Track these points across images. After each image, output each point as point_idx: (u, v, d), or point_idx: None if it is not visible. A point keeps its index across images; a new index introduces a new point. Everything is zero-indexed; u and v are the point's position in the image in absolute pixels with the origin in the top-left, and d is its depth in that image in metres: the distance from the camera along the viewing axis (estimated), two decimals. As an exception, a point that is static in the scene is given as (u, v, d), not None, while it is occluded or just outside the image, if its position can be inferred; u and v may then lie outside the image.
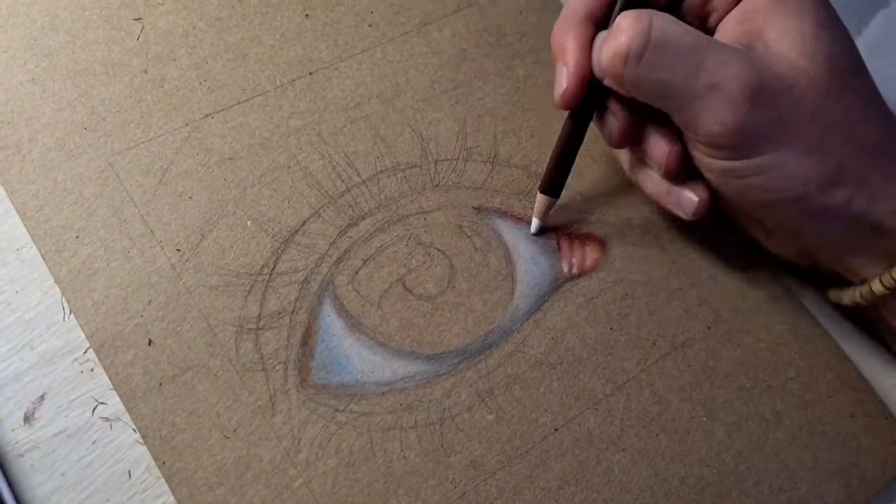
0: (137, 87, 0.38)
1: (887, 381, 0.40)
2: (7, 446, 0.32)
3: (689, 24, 0.34)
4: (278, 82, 0.40)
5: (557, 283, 0.39)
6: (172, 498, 0.32)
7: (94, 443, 0.33)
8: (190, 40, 0.40)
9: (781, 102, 0.32)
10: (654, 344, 0.38)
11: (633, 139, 0.38)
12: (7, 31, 0.38)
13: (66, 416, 0.33)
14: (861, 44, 0.48)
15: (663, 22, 0.33)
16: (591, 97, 0.37)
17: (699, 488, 0.36)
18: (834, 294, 0.39)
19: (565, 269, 0.38)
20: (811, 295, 0.41)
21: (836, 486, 0.37)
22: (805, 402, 0.38)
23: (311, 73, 0.41)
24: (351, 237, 0.37)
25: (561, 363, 0.37)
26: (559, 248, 0.39)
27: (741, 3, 0.36)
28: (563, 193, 0.39)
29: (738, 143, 0.33)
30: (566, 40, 0.36)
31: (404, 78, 0.42)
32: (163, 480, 0.32)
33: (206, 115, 0.39)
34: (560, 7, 0.45)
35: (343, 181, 0.39)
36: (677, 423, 0.37)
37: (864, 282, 0.37)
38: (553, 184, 0.39)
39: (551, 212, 0.39)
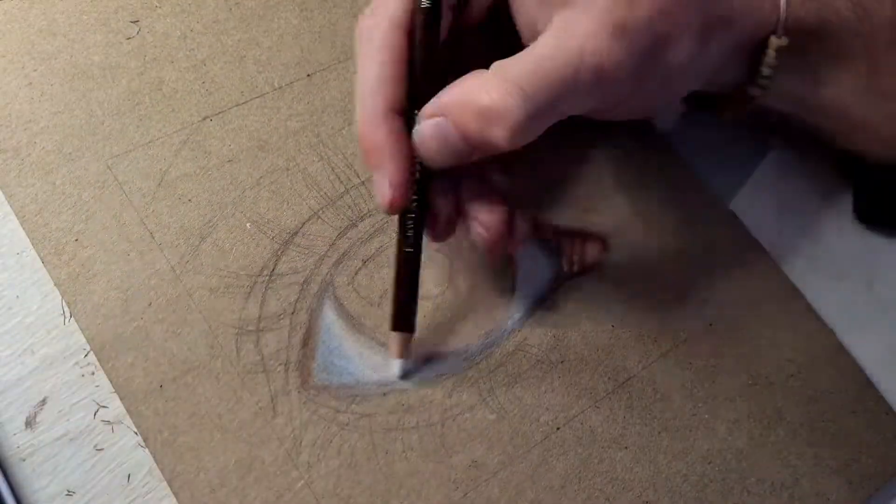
0: (135, 90, 0.38)
1: (888, 377, 0.40)
2: (9, 451, 0.32)
3: None
4: (276, 84, 0.40)
5: (558, 282, 0.39)
6: (175, 500, 0.32)
7: (95, 446, 0.33)
8: (188, 43, 0.40)
9: (646, 14, 0.31)
10: (656, 341, 0.38)
11: (456, 223, 0.35)
12: (5, 36, 0.38)
13: (68, 419, 0.33)
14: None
15: (511, 71, 0.31)
16: (420, 196, 0.34)
17: (701, 486, 0.36)
18: (719, 112, 0.40)
19: (566, 268, 0.38)
20: (812, 290, 0.41)
21: (838, 482, 0.37)
22: (806, 399, 0.38)
23: (309, 75, 0.41)
24: (350, 238, 0.37)
25: (562, 361, 0.37)
26: (559, 247, 0.39)
27: None
28: (563, 193, 0.39)
29: (638, 75, 0.32)
30: (377, 140, 0.32)
31: (402, 78, 0.42)
32: (165, 483, 0.32)
33: (205, 118, 0.39)
34: None
35: (342, 182, 0.39)
36: (679, 421, 0.37)
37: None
38: (405, 316, 0.35)
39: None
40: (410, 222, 0.34)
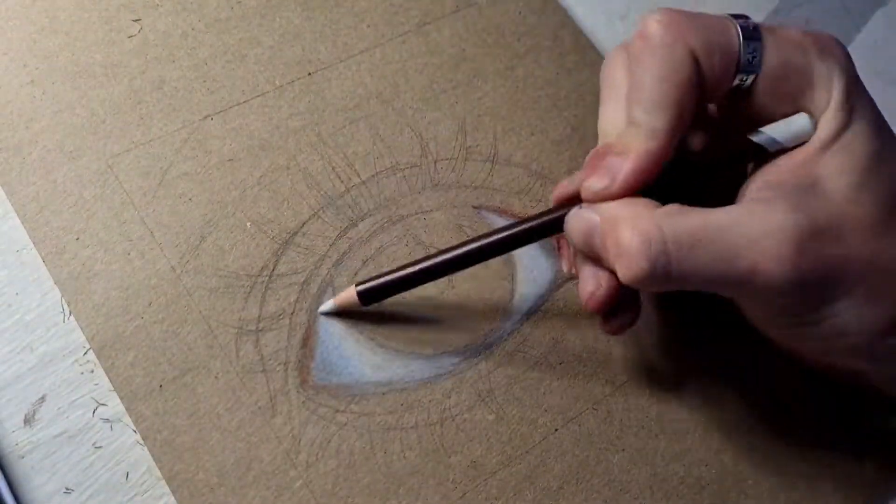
0: (137, 89, 0.38)
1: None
2: (8, 448, 0.32)
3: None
4: (277, 83, 0.40)
5: (557, 283, 0.39)
6: (173, 499, 0.32)
7: (94, 444, 0.33)
8: (189, 41, 0.40)
9: (830, 256, 0.30)
10: (654, 346, 0.38)
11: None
12: (6, 34, 0.38)
13: (67, 417, 0.33)
14: (860, 43, 0.49)
15: (673, 224, 0.29)
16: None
17: (698, 488, 0.36)
18: (877, 415, 0.38)
19: (565, 269, 0.38)
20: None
21: (835, 486, 0.37)
22: (805, 401, 0.38)
23: (310, 74, 0.41)
24: (350, 238, 0.37)
25: (561, 363, 0.37)
26: (559, 248, 0.39)
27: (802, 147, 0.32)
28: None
29: (790, 307, 0.31)
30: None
31: (403, 78, 0.42)
32: (163, 482, 0.32)
33: (206, 117, 0.39)
34: (559, 7, 0.45)
35: (342, 182, 0.39)
36: (676, 424, 0.37)
37: None
38: (376, 294, 0.35)
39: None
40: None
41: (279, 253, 0.37)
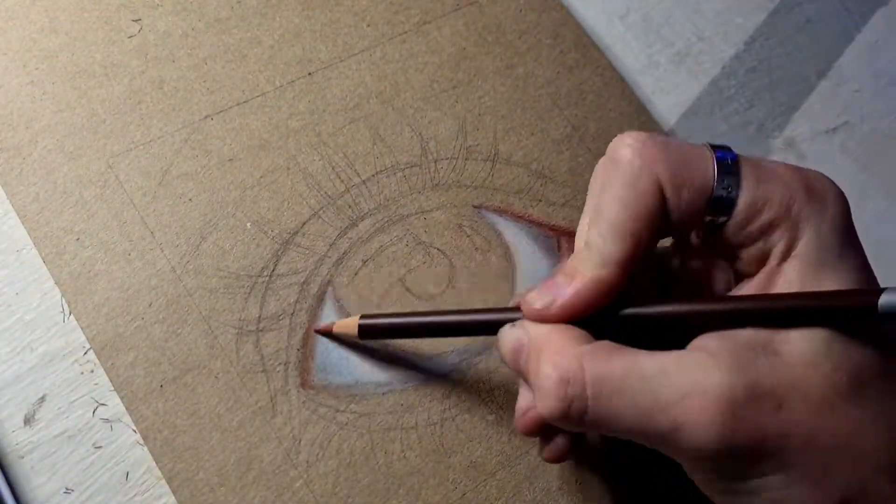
0: (137, 89, 0.38)
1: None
2: (7, 448, 0.32)
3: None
4: (277, 83, 0.40)
5: (557, 283, 0.39)
6: (173, 499, 0.32)
7: (94, 444, 0.33)
8: (189, 41, 0.40)
9: (764, 425, 0.27)
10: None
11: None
12: (6, 34, 0.38)
13: (67, 417, 0.33)
14: (860, 42, 0.49)
15: (597, 364, 0.28)
16: None
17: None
18: None
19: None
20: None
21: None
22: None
23: (310, 74, 0.41)
24: (350, 238, 0.37)
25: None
26: (559, 247, 0.39)
27: (762, 270, 0.30)
28: (565, 192, 0.39)
29: (715, 469, 0.28)
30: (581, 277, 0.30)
31: (403, 77, 0.42)
32: (163, 481, 0.32)
33: (206, 117, 0.39)
34: (559, 6, 0.45)
35: (342, 182, 0.39)
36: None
37: None
38: (376, 334, 0.35)
39: (546, 206, 0.39)
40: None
41: (279, 253, 0.37)
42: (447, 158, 0.40)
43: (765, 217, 0.29)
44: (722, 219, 0.30)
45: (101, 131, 0.37)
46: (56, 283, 0.34)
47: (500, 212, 0.40)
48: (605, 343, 0.28)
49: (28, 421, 0.33)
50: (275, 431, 0.34)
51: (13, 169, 0.36)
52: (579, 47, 0.45)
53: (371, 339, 0.35)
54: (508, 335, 0.30)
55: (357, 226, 0.38)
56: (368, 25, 0.43)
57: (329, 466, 0.33)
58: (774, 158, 0.44)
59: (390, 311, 0.36)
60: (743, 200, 0.29)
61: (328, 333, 0.35)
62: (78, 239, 0.35)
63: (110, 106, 0.38)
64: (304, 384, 0.34)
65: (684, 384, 0.27)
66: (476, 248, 0.38)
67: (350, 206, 0.38)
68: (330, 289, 0.36)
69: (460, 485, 0.34)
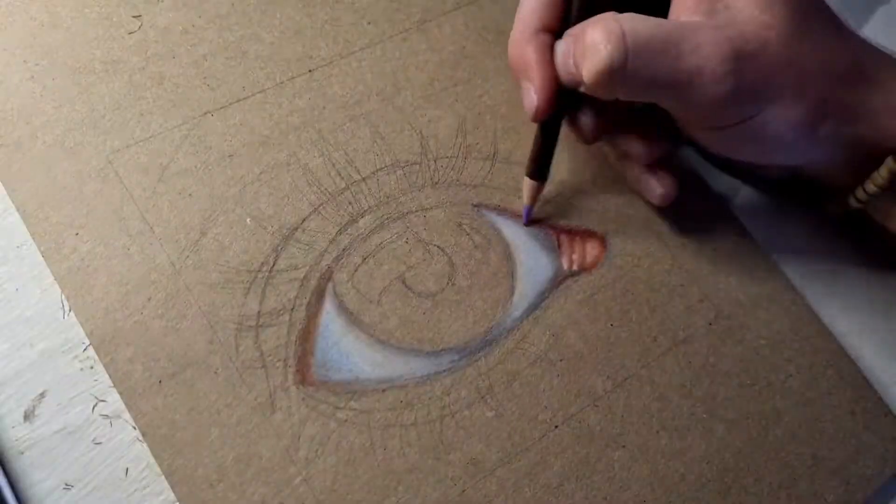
0: (137, 85, 0.38)
1: (887, 379, 0.40)
2: (7, 444, 0.32)
3: None
4: (278, 80, 0.40)
5: (557, 280, 0.39)
6: (172, 495, 0.32)
7: (94, 440, 0.33)
8: (189, 38, 0.40)
9: (759, 63, 0.33)
10: (655, 340, 0.38)
11: (605, 133, 0.39)
12: (7, 29, 0.38)
13: (66, 413, 0.33)
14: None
15: (632, 24, 0.33)
16: (560, 106, 0.37)
17: (699, 485, 0.36)
18: (833, 207, 0.40)
19: (565, 266, 0.38)
20: (812, 291, 0.41)
21: (836, 482, 0.37)
22: (805, 400, 0.38)
23: (310, 71, 0.41)
24: (350, 234, 0.37)
25: (561, 360, 0.37)
26: (559, 245, 0.39)
27: None
28: (566, 193, 0.39)
29: (731, 113, 0.34)
30: (526, 54, 0.37)
31: (404, 75, 0.42)
32: (163, 478, 0.32)
33: (206, 113, 0.39)
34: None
35: (342, 179, 0.39)
36: (677, 420, 0.37)
37: (845, 193, 0.38)
38: (541, 166, 0.39)
39: (546, 205, 0.39)
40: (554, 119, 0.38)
41: (279, 249, 0.36)
42: (447, 157, 0.40)
43: None
44: None
45: (100, 127, 0.37)
46: (55, 278, 0.34)
47: (500, 210, 0.40)
48: (631, 13, 0.34)
49: (28, 417, 0.33)
50: (274, 428, 0.34)
51: (13, 164, 0.36)
52: (579, 46, 0.45)
53: (548, 169, 0.39)
54: (559, 47, 0.36)
55: (357, 222, 0.38)
56: (369, 23, 0.43)
57: (328, 463, 0.33)
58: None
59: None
60: None
61: (532, 205, 0.40)
62: (77, 234, 0.35)
63: (110, 102, 0.38)
64: (304, 380, 0.34)
65: (696, 39, 0.33)
66: (476, 247, 0.38)
67: (350, 203, 0.38)
68: (330, 285, 0.36)
69: (459, 482, 0.34)
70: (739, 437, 0.37)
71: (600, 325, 0.38)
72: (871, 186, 0.36)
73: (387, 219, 0.38)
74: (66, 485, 0.32)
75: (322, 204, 0.38)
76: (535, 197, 0.39)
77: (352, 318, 0.36)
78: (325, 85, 0.41)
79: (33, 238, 0.35)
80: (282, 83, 0.40)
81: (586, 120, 0.38)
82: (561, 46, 0.36)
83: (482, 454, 0.35)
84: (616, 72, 0.33)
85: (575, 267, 0.39)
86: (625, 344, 0.38)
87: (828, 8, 0.36)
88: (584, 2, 0.36)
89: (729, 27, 0.33)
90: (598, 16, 0.34)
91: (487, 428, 0.35)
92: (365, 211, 0.38)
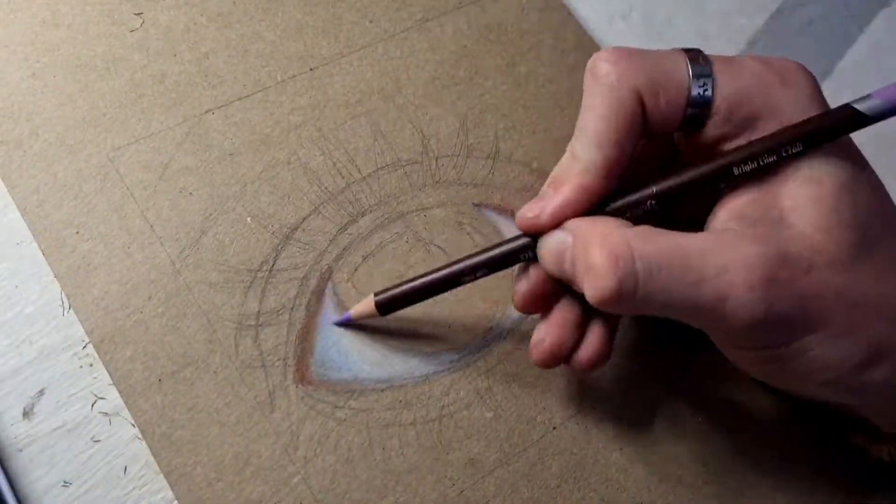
0: (138, 83, 0.38)
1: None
2: (6, 441, 0.32)
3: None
4: (279, 78, 0.40)
5: (557, 281, 0.39)
6: (171, 493, 0.32)
7: (92, 438, 0.33)
8: (191, 36, 0.40)
9: (800, 288, 0.29)
10: (656, 340, 0.38)
11: (537, 311, 0.34)
12: (8, 27, 0.38)
13: (66, 411, 0.33)
14: (863, 43, 0.49)
15: (644, 244, 0.29)
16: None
17: (696, 487, 0.36)
18: (860, 440, 0.37)
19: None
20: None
21: (833, 486, 0.37)
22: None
23: (311, 69, 0.41)
24: (351, 234, 0.37)
25: (560, 361, 0.37)
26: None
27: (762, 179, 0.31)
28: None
29: (760, 338, 0.30)
30: (569, 181, 0.32)
31: (405, 74, 0.42)
32: (161, 476, 0.32)
33: (207, 111, 0.39)
34: (561, 5, 0.45)
35: (343, 177, 0.39)
36: (675, 423, 0.37)
37: None
38: (393, 305, 0.35)
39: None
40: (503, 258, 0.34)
41: (279, 248, 0.36)
42: (448, 156, 0.40)
43: (745, 109, 0.31)
44: (701, 111, 0.32)
45: (101, 125, 0.37)
46: (55, 275, 0.34)
47: (501, 210, 0.40)
48: (646, 227, 0.30)
49: (27, 414, 0.33)
50: (273, 427, 0.34)
51: (13, 162, 0.36)
52: (581, 47, 0.45)
53: (394, 312, 0.35)
54: (552, 238, 0.32)
55: (357, 222, 0.38)
56: (370, 22, 0.43)
57: (327, 462, 0.33)
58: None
59: (394, 284, 0.36)
60: (720, 95, 0.31)
61: (348, 324, 0.36)
62: (78, 232, 0.35)
63: (111, 99, 0.38)
64: (303, 380, 0.34)
65: (723, 259, 0.29)
66: (476, 246, 0.38)
67: (350, 202, 0.38)
68: (329, 284, 0.36)
69: (458, 482, 0.34)
70: (738, 439, 0.37)
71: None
72: None
73: (387, 218, 0.38)
74: (65, 482, 0.32)
75: (322, 203, 0.38)
76: (362, 317, 0.35)
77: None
78: (327, 83, 0.41)
79: (33, 235, 0.35)
80: (283, 81, 0.40)
81: (525, 283, 0.34)
82: (556, 238, 0.31)
83: (481, 454, 0.35)
84: (623, 298, 0.29)
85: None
86: (623, 346, 0.38)
87: None
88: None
89: (770, 243, 0.29)
90: (603, 224, 0.30)
91: (486, 428, 0.35)
92: (365, 210, 0.38)
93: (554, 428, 0.36)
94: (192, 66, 0.39)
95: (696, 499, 0.36)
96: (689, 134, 0.33)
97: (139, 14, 0.40)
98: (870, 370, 0.30)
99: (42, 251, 0.35)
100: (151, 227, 0.36)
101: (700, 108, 0.32)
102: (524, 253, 0.33)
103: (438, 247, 0.38)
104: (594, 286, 0.29)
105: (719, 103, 0.31)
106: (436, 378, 0.36)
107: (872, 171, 0.32)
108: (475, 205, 0.39)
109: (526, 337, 0.37)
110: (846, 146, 0.32)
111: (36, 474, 0.32)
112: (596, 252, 0.29)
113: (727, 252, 0.29)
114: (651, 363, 0.38)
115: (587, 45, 0.45)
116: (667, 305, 0.29)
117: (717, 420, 0.37)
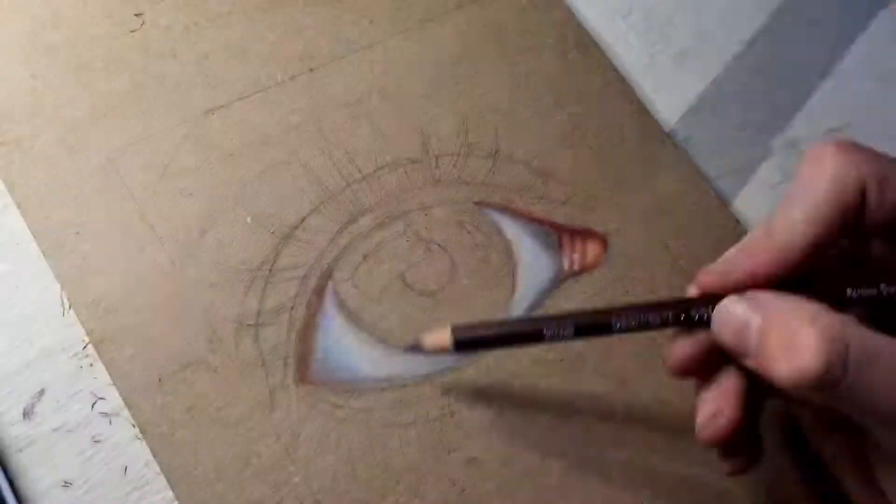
0: (138, 84, 0.38)
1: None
2: (6, 441, 0.32)
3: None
4: (279, 78, 0.40)
5: (558, 280, 0.39)
6: (171, 493, 0.32)
7: (93, 438, 0.33)
8: (191, 36, 0.40)
9: None
10: (655, 341, 0.38)
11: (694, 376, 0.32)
12: (8, 27, 0.38)
13: (66, 411, 0.33)
14: (862, 43, 0.49)
15: (857, 331, 0.26)
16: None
17: (698, 486, 0.36)
18: None
19: (566, 266, 0.38)
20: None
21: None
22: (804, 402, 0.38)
23: (311, 70, 0.41)
24: (351, 233, 0.37)
25: (561, 360, 0.37)
26: (560, 245, 0.39)
27: None
28: (565, 190, 0.39)
29: None
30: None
31: (405, 74, 0.42)
32: (162, 476, 0.32)
33: (207, 112, 0.39)
34: (562, 4, 0.45)
35: (343, 177, 0.39)
36: (677, 422, 0.37)
37: None
38: (474, 345, 0.33)
39: (548, 204, 0.38)
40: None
41: (279, 247, 0.36)
42: (448, 155, 0.40)
43: None
44: None
45: (102, 125, 0.37)
46: (55, 276, 0.34)
47: (501, 209, 0.40)
48: (852, 317, 0.27)
49: (27, 414, 0.33)
50: (273, 426, 0.34)
51: (14, 162, 0.36)
52: (581, 46, 0.45)
53: (471, 352, 0.33)
54: (734, 308, 0.29)
55: (357, 221, 0.38)
56: (370, 22, 0.43)
57: (327, 462, 0.33)
58: (775, 159, 0.44)
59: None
60: None
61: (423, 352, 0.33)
62: (78, 233, 0.35)
63: (111, 100, 0.38)
64: (303, 379, 0.34)
65: None
66: (477, 245, 0.38)
67: (351, 202, 0.38)
68: (330, 283, 0.36)
69: (459, 482, 0.34)
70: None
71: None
72: None
73: (387, 217, 0.38)
74: (65, 483, 0.32)
75: (322, 202, 0.38)
76: (434, 353, 0.33)
77: (352, 317, 0.36)
78: (326, 84, 0.41)
79: (33, 236, 0.35)
80: (283, 82, 0.40)
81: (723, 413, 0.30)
82: (738, 309, 0.29)
83: (481, 454, 0.35)
84: (825, 384, 0.26)
85: (576, 267, 0.39)
86: (625, 345, 0.38)
87: None
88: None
89: None
90: (806, 306, 0.27)
91: (487, 428, 0.35)
92: (365, 209, 0.38)
93: (555, 427, 0.36)
94: (192, 67, 0.39)
95: (698, 498, 0.36)
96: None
97: (139, 15, 0.40)
98: None
99: (42, 252, 0.35)
100: (151, 227, 0.36)
101: None
102: (695, 312, 0.30)
103: (439, 245, 0.38)
104: (796, 365, 0.26)
105: None
106: (436, 377, 0.36)
107: None
108: (476, 204, 0.39)
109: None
110: None
111: (36, 475, 0.32)
112: (806, 329, 0.26)
113: None
114: (653, 363, 0.38)
115: (588, 45, 0.45)
116: (868, 406, 0.26)
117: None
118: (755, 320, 0.28)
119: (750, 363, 0.28)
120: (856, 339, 0.26)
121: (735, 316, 0.29)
